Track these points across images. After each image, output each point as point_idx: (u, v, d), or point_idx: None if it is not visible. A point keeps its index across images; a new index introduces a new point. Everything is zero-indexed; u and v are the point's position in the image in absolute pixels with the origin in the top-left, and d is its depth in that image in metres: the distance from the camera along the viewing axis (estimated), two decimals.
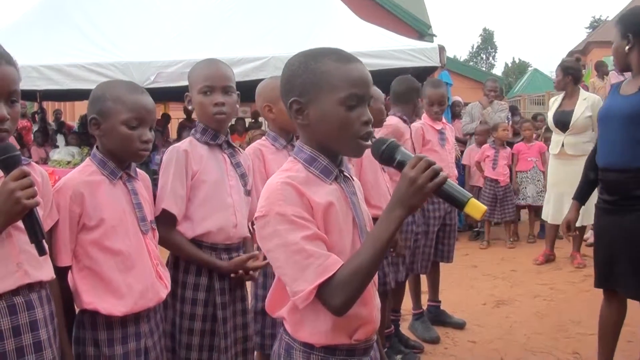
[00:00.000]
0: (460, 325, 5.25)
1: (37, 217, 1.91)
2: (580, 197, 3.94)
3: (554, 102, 6.93)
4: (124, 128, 2.42)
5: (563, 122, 6.65)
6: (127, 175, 2.51)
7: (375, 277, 1.85)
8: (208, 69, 2.85)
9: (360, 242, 1.80)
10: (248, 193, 2.95)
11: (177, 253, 2.83)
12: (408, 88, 4.66)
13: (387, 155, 1.74)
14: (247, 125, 13.07)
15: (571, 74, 6.72)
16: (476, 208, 1.65)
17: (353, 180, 1.93)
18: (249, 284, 3.07)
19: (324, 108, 1.74)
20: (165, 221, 2.71)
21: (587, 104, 6.60)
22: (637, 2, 44.76)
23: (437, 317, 5.33)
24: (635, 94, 3.48)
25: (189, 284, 2.80)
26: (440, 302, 5.42)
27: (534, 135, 8.91)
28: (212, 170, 2.82)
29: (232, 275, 2.81)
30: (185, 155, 2.78)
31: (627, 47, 3.49)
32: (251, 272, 2.85)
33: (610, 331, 3.94)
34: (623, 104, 3.52)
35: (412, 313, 5.24)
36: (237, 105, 2.94)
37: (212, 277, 2.81)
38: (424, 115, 5.12)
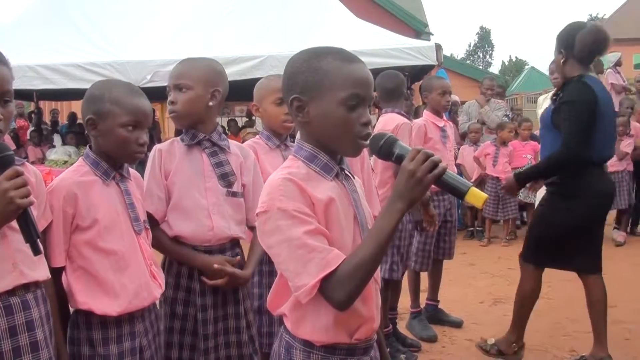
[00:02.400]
0: (457, 324, 5.26)
1: (31, 216, 1.91)
2: None
3: (545, 100, 6.91)
4: (122, 130, 2.41)
5: None
6: (120, 176, 2.50)
7: (378, 275, 1.86)
8: (173, 69, 2.86)
9: (361, 238, 1.80)
10: (233, 194, 2.87)
11: (159, 250, 2.80)
12: (397, 83, 4.62)
13: (386, 150, 1.74)
14: (241, 125, 13.08)
15: None
16: (477, 196, 1.66)
17: (354, 178, 1.93)
18: None
19: (324, 107, 1.74)
20: (149, 221, 2.69)
21: None
22: (634, 1, 44.78)
23: (434, 315, 5.33)
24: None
25: (169, 283, 2.77)
26: (438, 301, 5.42)
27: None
28: (184, 171, 2.78)
29: (215, 266, 2.74)
30: (159, 155, 2.78)
31: (561, 60, 4.02)
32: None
33: (532, 303, 4.31)
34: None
35: (409, 311, 5.25)
36: (210, 103, 2.81)
37: (192, 278, 2.79)
38: (426, 112, 5.12)
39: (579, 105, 3.88)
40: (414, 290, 5.23)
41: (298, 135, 1.90)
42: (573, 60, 3.97)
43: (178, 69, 2.83)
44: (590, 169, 3.97)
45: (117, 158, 2.48)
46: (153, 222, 2.72)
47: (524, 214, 9.35)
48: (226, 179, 2.84)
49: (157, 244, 2.75)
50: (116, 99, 2.42)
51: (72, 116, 14.17)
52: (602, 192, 4.04)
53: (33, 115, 13.96)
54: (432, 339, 4.95)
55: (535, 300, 4.32)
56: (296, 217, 1.67)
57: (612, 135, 4.16)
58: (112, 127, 2.41)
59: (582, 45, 3.91)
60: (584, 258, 4.09)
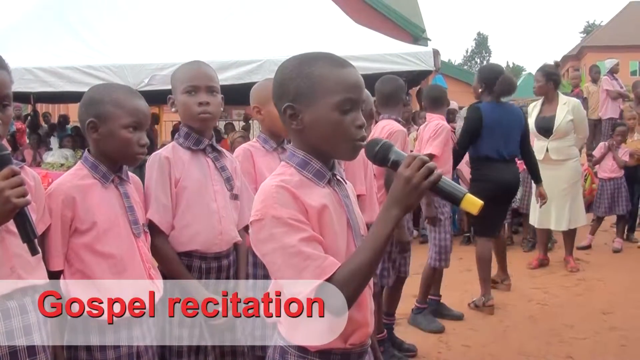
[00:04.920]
0: (458, 317, 5.44)
1: (28, 216, 1.89)
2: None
3: (534, 109, 6.97)
4: (124, 132, 2.43)
5: (545, 128, 6.71)
6: (119, 179, 2.51)
7: (371, 280, 1.86)
8: (191, 69, 2.85)
9: (355, 244, 1.80)
10: (235, 197, 2.91)
11: (162, 265, 2.75)
12: (395, 88, 4.64)
13: (381, 156, 1.75)
14: (239, 129, 13.07)
15: (553, 80, 6.78)
16: (472, 203, 1.67)
17: (346, 183, 1.93)
18: None
19: (318, 113, 1.74)
20: (153, 230, 2.68)
21: (567, 107, 6.69)
22: (631, 8, 44.93)
23: (436, 310, 5.44)
24: None
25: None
26: (440, 296, 5.55)
27: None
28: (194, 176, 2.79)
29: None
30: (167, 163, 2.76)
31: (479, 90, 5.68)
32: None
33: (489, 264, 5.76)
34: None
35: (415, 306, 5.36)
36: (221, 108, 2.92)
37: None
38: (443, 117, 5.49)
39: (466, 123, 5.80)
40: (426, 285, 5.37)
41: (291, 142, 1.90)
42: (489, 91, 5.59)
43: (208, 71, 2.86)
44: (488, 162, 5.54)
45: (119, 160, 2.50)
46: (158, 231, 2.71)
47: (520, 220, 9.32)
48: (230, 182, 2.88)
49: (159, 256, 2.73)
50: (117, 101, 2.45)
51: (64, 118, 14.10)
52: (495, 178, 5.49)
53: (29, 117, 13.93)
54: (440, 330, 5.14)
55: (490, 262, 5.74)
56: (290, 224, 1.67)
57: (507, 139, 5.59)
58: (114, 128, 2.43)
59: (500, 87, 5.53)
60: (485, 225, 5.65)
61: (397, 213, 1.66)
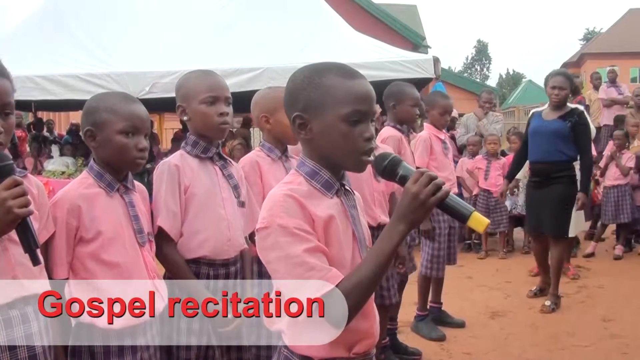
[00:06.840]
0: (460, 325, 5.43)
1: (30, 226, 1.89)
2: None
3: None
4: (119, 137, 2.43)
5: None
6: (124, 187, 2.51)
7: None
8: (210, 79, 2.84)
9: (360, 256, 1.80)
10: (242, 204, 2.93)
11: (171, 272, 2.78)
12: (384, 95, 4.63)
13: (390, 171, 1.74)
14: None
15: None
16: (479, 221, 1.67)
17: (354, 194, 1.93)
18: None
19: (327, 123, 1.75)
20: (162, 238, 2.70)
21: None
22: (631, 15, 44.97)
23: (438, 317, 5.45)
24: (555, 120, 5.86)
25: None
26: (442, 303, 5.55)
27: None
28: (203, 183, 2.80)
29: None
30: (176, 170, 2.77)
31: (568, 93, 6.05)
32: None
33: (544, 257, 6.22)
34: (548, 125, 5.90)
35: (416, 314, 5.37)
36: None
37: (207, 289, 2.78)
38: (429, 126, 5.29)
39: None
40: (423, 294, 5.37)
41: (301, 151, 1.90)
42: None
43: (224, 82, 2.88)
44: None
45: (118, 166, 2.49)
46: (167, 239, 2.72)
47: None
48: (237, 189, 2.91)
49: (168, 263, 2.76)
50: (111, 107, 2.45)
51: (77, 127, 14.11)
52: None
53: (32, 126, 13.93)
54: (441, 339, 5.12)
55: None
56: (296, 234, 1.67)
57: None
58: (109, 135, 2.43)
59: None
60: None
61: (403, 228, 1.67)
